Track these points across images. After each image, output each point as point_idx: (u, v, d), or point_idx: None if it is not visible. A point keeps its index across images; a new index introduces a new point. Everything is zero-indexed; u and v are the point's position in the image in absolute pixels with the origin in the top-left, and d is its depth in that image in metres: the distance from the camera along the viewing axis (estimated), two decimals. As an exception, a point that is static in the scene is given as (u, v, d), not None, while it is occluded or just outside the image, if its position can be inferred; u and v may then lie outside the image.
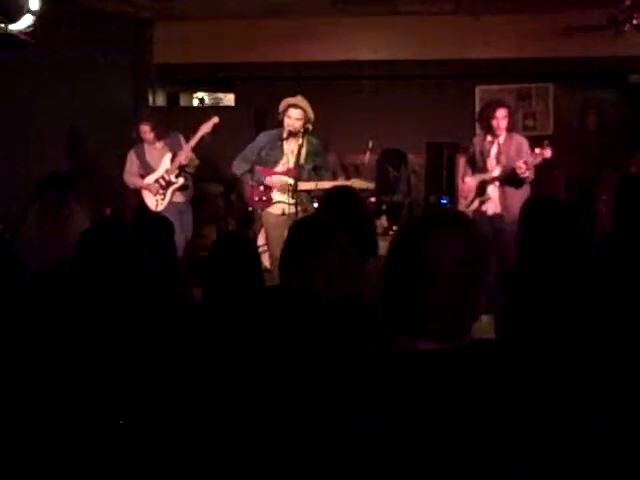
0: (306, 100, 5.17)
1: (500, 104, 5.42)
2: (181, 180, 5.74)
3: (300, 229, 2.34)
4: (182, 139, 5.81)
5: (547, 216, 2.60)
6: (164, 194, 5.75)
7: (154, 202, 5.77)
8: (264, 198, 5.27)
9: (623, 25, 6.26)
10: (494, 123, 5.33)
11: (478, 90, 8.12)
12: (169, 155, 5.75)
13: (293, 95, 5.17)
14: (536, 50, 7.41)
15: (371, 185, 5.32)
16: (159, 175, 5.75)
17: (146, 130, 5.71)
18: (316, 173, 5.22)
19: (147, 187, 5.78)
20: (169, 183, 5.75)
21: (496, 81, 8.06)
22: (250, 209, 5.78)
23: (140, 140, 5.79)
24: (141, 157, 5.81)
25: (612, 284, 1.61)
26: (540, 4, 7.05)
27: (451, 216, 1.40)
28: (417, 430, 1.19)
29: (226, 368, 1.74)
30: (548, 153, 5.08)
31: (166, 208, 5.69)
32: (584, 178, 6.62)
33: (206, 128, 5.61)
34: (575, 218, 2.58)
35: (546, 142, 5.15)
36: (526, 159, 5.13)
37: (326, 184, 5.08)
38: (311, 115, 5.15)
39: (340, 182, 5.20)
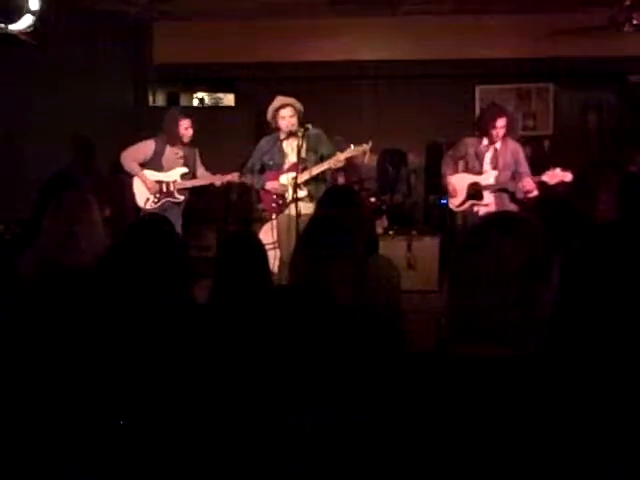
0: (287, 96, 5.15)
1: (500, 113, 5.39)
2: (181, 198, 5.62)
3: (316, 226, 2.33)
4: (198, 155, 5.71)
5: (553, 215, 2.60)
6: (159, 199, 5.59)
7: (144, 198, 5.60)
8: (280, 202, 5.25)
9: (623, 25, 6.26)
10: (493, 132, 5.34)
11: (478, 90, 8.12)
12: (183, 170, 5.61)
13: (272, 99, 5.18)
14: (536, 50, 7.40)
15: (366, 147, 5.15)
16: (164, 180, 5.58)
17: (188, 125, 5.54)
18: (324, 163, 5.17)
19: (144, 180, 5.57)
20: (170, 194, 5.60)
21: (496, 81, 8.06)
22: (264, 211, 5.72)
23: (177, 136, 5.55)
24: (158, 153, 5.59)
25: (614, 280, 1.60)
26: (540, 4, 7.05)
27: (516, 220, 1.38)
28: (480, 434, 1.18)
29: (230, 366, 1.73)
30: (568, 177, 5.09)
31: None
32: (584, 178, 6.61)
33: (233, 178, 5.54)
34: (580, 219, 2.59)
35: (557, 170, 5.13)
36: (531, 178, 5.16)
37: (320, 167, 5.07)
38: (300, 106, 5.13)
39: (333, 159, 5.10)
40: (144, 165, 5.62)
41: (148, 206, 5.61)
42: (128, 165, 5.63)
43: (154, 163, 5.61)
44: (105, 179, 6.58)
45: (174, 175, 5.61)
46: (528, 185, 5.15)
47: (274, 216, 5.35)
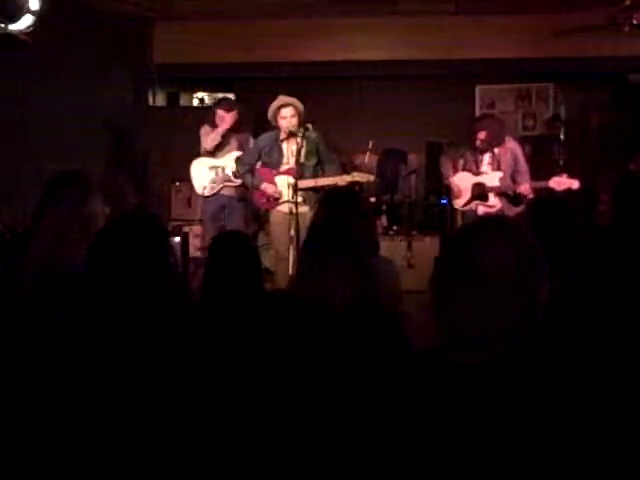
0: (287, 96, 5.16)
1: (480, 127, 5.48)
2: (238, 182, 5.68)
3: (316, 229, 2.34)
4: (251, 139, 5.77)
5: (550, 217, 2.60)
6: (215, 185, 5.74)
7: (202, 185, 5.76)
8: (271, 200, 5.25)
9: (623, 25, 6.25)
10: (476, 142, 5.44)
11: (478, 90, 8.13)
12: (236, 153, 5.68)
13: (273, 99, 5.18)
14: (536, 50, 7.40)
15: (372, 177, 5.29)
16: (220, 165, 5.73)
17: (221, 114, 5.68)
18: (320, 168, 5.19)
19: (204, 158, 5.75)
20: (226, 178, 5.73)
21: (496, 81, 8.06)
22: (261, 210, 5.75)
23: (213, 122, 5.73)
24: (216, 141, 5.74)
25: (611, 280, 1.60)
26: (540, 4, 7.05)
27: (502, 224, 1.36)
28: (464, 442, 1.17)
29: (226, 368, 1.73)
30: (576, 185, 5.12)
31: (212, 198, 5.75)
32: (584, 178, 6.62)
33: None
34: (575, 218, 2.59)
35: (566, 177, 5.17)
36: (536, 183, 5.23)
37: (326, 180, 5.09)
38: (301, 107, 5.13)
39: (340, 177, 5.16)
40: (211, 154, 5.77)
41: (205, 193, 5.75)
42: (207, 143, 5.74)
43: (213, 150, 5.75)
44: (105, 179, 6.58)
45: (229, 160, 5.70)
46: (525, 191, 5.23)
47: (262, 211, 5.43)
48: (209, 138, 5.72)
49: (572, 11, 7.12)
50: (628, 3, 6.08)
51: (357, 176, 5.19)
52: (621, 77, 7.83)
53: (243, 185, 5.67)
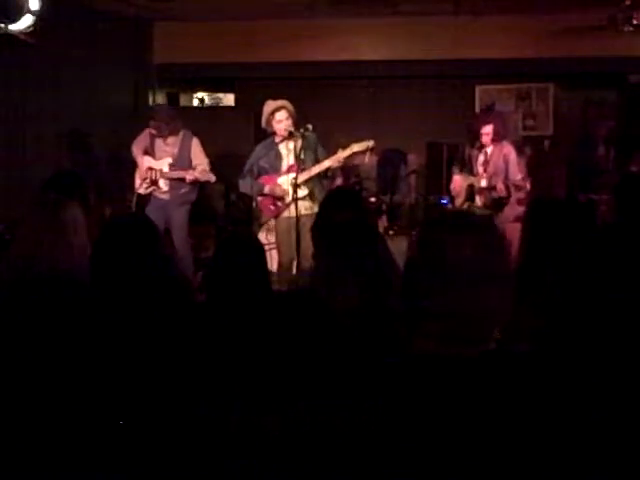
0: (277, 100, 5.12)
1: (486, 120, 5.49)
2: (165, 188, 5.65)
3: (332, 231, 2.34)
4: (194, 144, 5.66)
5: (550, 217, 2.60)
6: (148, 187, 5.70)
7: (138, 184, 5.73)
8: (279, 204, 5.19)
9: (623, 25, 6.27)
10: (482, 138, 5.43)
11: (478, 90, 8.13)
12: (169, 160, 5.63)
13: (262, 103, 5.16)
14: (536, 50, 7.40)
15: (370, 143, 5.09)
16: (154, 167, 5.68)
17: (152, 125, 5.67)
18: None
19: (140, 166, 5.71)
20: (154, 182, 5.67)
21: (496, 81, 8.06)
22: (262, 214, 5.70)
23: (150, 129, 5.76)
24: (152, 140, 5.71)
25: (611, 280, 1.60)
26: (540, 4, 7.05)
27: (468, 220, 1.38)
28: (431, 435, 1.18)
29: (228, 368, 1.73)
30: (527, 186, 5.18)
31: (149, 200, 5.72)
32: (584, 178, 6.62)
33: (202, 177, 5.54)
34: (577, 218, 2.59)
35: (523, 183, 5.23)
36: (506, 183, 5.27)
37: (322, 165, 5.04)
38: (292, 107, 5.10)
39: (336, 155, 5.07)
40: (147, 153, 5.73)
41: (141, 190, 5.71)
42: (134, 151, 5.77)
43: (150, 151, 5.72)
44: (105, 179, 6.58)
45: (161, 164, 5.66)
46: (500, 192, 5.27)
47: (273, 221, 5.31)
48: (161, 143, 5.69)
49: (572, 11, 7.12)
50: (628, 3, 6.09)
51: (355, 147, 5.07)
52: (621, 77, 7.83)
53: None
